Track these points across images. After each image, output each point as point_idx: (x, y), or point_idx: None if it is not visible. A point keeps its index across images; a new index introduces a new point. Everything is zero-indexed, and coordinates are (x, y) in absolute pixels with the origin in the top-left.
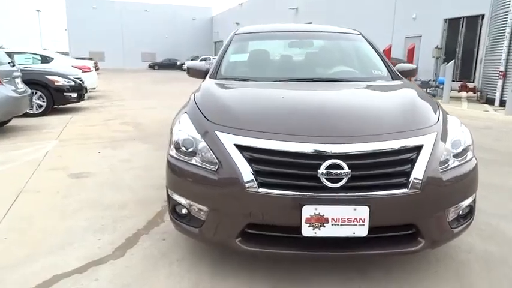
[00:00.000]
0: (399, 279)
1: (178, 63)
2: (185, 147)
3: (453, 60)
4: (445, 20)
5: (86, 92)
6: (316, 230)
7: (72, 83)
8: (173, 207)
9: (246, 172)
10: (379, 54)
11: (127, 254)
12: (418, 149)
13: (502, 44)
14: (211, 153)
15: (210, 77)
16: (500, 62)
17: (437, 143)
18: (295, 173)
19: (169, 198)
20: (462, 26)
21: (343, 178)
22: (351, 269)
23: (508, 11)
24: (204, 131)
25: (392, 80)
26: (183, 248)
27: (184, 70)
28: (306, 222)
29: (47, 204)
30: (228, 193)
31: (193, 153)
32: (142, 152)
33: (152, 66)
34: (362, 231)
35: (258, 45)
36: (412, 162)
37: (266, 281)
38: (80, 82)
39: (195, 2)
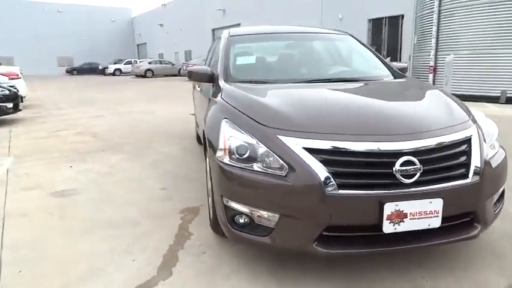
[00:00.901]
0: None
1: (100, 67)
2: (239, 154)
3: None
4: (369, 20)
5: (22, 101)
6: (396, 225)
7: (6, 92)
8: (232, 217)
9: (324, 175)
10: (373, 53)
11: (175, 273)
12: (468, 140)
13: (430, 41)
14: (277, 158)
15: (225, 81)
16: (430, 58)
17: (479, 134)
18: (371, 172)
19: (225, 207)
20: (385, 26)
21: (416, 173)
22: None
23: (432, 11)
24: (261, 136)
25: (394, 77)
26: (231, 259)
27: (107, 74)
28: (387, 219)
29: (45, 228)
30: (305, 197)
31: (251, 159)
32: (118, 164)
33: (70, 72)
34: (436, 223)
35: (261, 47)
36: (467, 153)
37: (337, 280)
38: (15, 90)
39: (112, 3)
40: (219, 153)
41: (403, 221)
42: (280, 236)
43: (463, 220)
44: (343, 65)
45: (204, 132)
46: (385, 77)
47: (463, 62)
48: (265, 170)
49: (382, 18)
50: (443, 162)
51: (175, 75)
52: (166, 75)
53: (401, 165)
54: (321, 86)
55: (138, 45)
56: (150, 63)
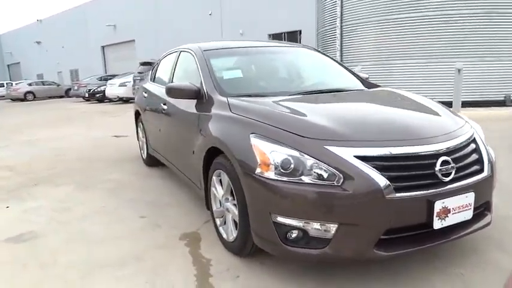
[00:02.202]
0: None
1: None
2: (283, 168)
3: None
4: (269, 35)
5: None
6: (442, 221)
7: None
8: (284, 234)
9: (382, 180)
10: (341, 64)
11: None
12: (474, 140)
13: (335, 54)
14: (329, 168)
15: (222, 95)
16: None
17: (477, 133)
18: (418, 174)
19: (275, 224)
20: (284, 39)
21: (451, 171)
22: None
23: (335, 27)
24: (305, 148)
25: (368, 88)
26: (270, 278)
27: None
28: (436, 216)
29: (30, 282)
30: (366, 204)
31: (297, 172)
32: (70, 196)
33: None
34: (470, 215)
35: (240, 61)
36: (478, 150)
37: (379, 280)
38: None
39: None
40: (258, 170)
41: (448, 216)
42: (338, 245)
43: (480, 210)
44: (324, 76)
45: (204, 153)
46: (362, 87)
47: (368, 71)
48: (316, 181)
49: (281, 33)
50: (466, 160)
51: (61, 97)
52: (50, 97)
53: (441, 164)
54: (326, 97)
55: (8, 65)
56: (30, 84)
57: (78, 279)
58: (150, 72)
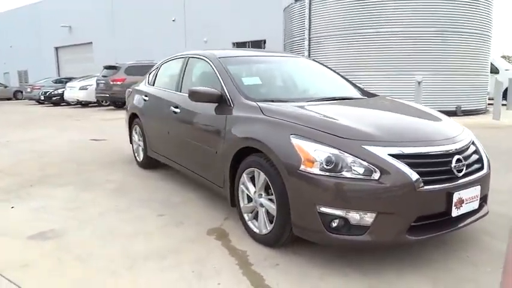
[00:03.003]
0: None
1: None
2: (326, 164)
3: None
4: (234, 43)
5: None
6: (458, 210)
7: None
8: (328, 222)
9: (414, 175)
10: (338, 73)
11: (274, 286)
12: (473, 142)
13: None
14: (367, 164)
15: (246, 99)
16: None
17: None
18: (439, 170)
19: (320, 214)
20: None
21: (463, 168)
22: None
23: (304, 39)
24: (345, 147)
25: (368, 96)
26: (308, 264)
27: None
28: (454, 206)
29: (73, 275)
30: (401, 195)
31: (338, 168)
32: (73, 197)
33: None
34: (476, 205)
35: (255, 69)
36: (477, 151)
37: (398, 263)
38: None
39: None
40: (303, 166)
41: (462, 206)
42: (376, 232)
43: (481, 202)
44: (329, 84)
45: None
46: (363, 95)
47: None
48: (356, 175)
49: (246, 42)
50: (471, 159)
51: (9, 99)
52: None
53: (455, 162)
54: (343, 103)
55: None
56: None
57: (124, 270)
58: (147, 76)
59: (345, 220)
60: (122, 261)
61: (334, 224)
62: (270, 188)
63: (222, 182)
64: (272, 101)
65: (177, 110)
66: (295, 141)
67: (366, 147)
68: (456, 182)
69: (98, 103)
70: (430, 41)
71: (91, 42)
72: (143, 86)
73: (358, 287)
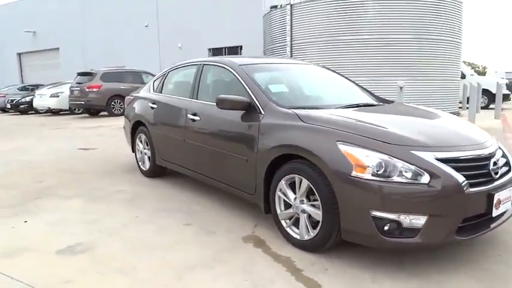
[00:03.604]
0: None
1: None
2: (377, 169)
3: None
4: (210, 49)
5: None
6: (497, 210)
7: None
8: (382, 226)
9: (461, 178)
10: (350, 80)
11: None
12: (499, 146)
13: None
14: (417, 169)
15: (279, 107)
16: None
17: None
18: (480, 173)
19: (373, 219)
20: (225, 54)
21: (498, 170)
22: None
23: (286, 45)
24: (393, 152)
25: (384, 102)
26: (356, 267)
27: None
28: (494, 206)
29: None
30: (451, 198)
31: (388, 173)
32: (88, 209)
33: None
34: (509, 205)
35: (277, 76)
36: (504, 155)
37: (439, 263)
38: None
39: None
40: (354, 172)
41: (500, 206)
42: (427, 234)
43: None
44: (348, 91)
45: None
46: (379, 101)
47: None
48: (408, 180)
49: (222, 48)
50: (501, 162)
51: None
52: None
53: (493, 165)
54: (373, 110)
55: None
56: None
57: (175, 281)
58: (151, 84)
59: (398, 223)
60: (169, 273)
61: (387, 228)
62: (313, 194)
63: (253, 189)
64: (303, 108)
65: (196, 118)
66: (343, 148)
67: (415, 152)
68: (495, 184)
69: (70, 111)
70: (408, 48)
71: (58, 48)
72: (148, 94)
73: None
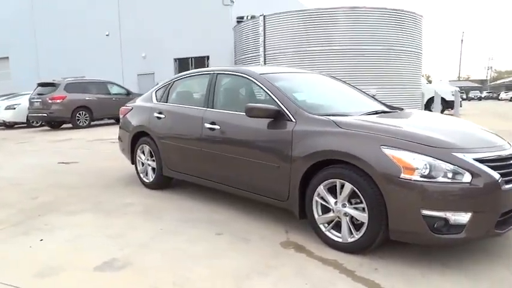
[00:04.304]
0: None
1: None
2: (424, 171)
3: None
4: (175, 59)
5: None
6: None
7: None
8: (432, 224)
9: (497, 176)
10: (354, 87)
11: None
12: None
13: None
14: (459, 169)
15: (311, 114)
16: None
17: None
18: (509, 171)
19: (424, 217)
20: (192, 65)
21: None
22: None
23: (259, 55)
24: (436, 155)
25: (391, 108)
26: (402, 264)
27: None
28: None
29: None
30: (491, 195)
31: (434, 174)
32: (103, 223)
33: None
34: None
35: (297, 85)
36: None
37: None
38: None
39: None
40: (403, 174)
41: None
42: (472, 229)
43: None
44: (362, 99)
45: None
46: (390, 108)
47: None
48: (452, 180)
49: (189, 58)
50: None
51: None
52: None
53: None
54: (398, 115)
55: None
56: None
57: None
58: (153, 93)
59: (445, 220)
60: (227, 281)
61: (436, 225)
62: (354, 197)
63: (285, 196)
64: (333, 115)
65: (215, 127)
66: (389, 152)
67: (455, 154)
68: None
69: (28, 124)
70: (377, 58)
71: (7, 57)
72: (150, 103)
73: (458, 281)
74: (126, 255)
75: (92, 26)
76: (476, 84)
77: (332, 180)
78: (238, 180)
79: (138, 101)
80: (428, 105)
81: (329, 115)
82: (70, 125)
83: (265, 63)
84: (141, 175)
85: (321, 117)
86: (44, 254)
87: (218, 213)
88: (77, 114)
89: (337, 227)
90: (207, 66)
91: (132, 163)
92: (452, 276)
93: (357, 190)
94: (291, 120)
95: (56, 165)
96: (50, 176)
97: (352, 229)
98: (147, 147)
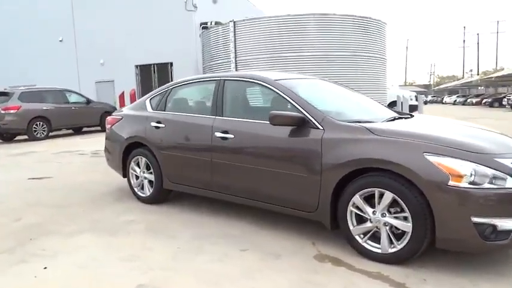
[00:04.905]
0: None
1: None
2: (472, 178)
3: None
4: (137, 66)
5: None
6: None
7: None
8: (482, 231)
9: None
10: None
11: None
12: None
13: None
14: (504, 174)
15: (339, 121)
16: None
17: None
18: None
19: (475, 225)
20: (154, 72)
21: None
22: None
23: (230, 61)
24: (480, 160)
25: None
26: (449, 274)
27: None
28: None
29: None
30: None
31: (482, 180)
32: (109, 245)
33: None
34: None
35: (311, 91)
36: None
37: None
38: None
39: None
40: (451, 182)
41: None
42: None
43: None
44: (372, 104)
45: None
46: (402, 114)
47: None
48: (498, 185)
49: (151, 64)
50: None
51: None
52: None
53: None
54: (421, 121)
55: None
56: None
57: None
58: (148, 101)
59: (493, 227)
60: None
61: (486, 232)
62: (393, 206)
63: (314, 207)
64: (359, 122)
65: (229, 136)
66: (434, 159)
67: (498, 159)
68: None
69: None
70: (346, 64)
71: None
72: (145, 112)
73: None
74: (153, 280)
75: (44, 31)
76: (421, 89)
77: (370, 189)
78: (257, 192)
79: (128, 110)
80: None
81: (356, 122)
82: (25, 137)
83: (236, 70)
84: (136, 189)
85: (351, 124)
86: (57, 285)
87: (231, 227)
88: (34, 125)
89: (374, 237)
90: (171, 73)
91: (124, 177)
92: (502, 284)
93: (398, 199)
94: (317, 128)
95: (26, 182)
96: (26, 194)
97: (393, 239)
98: (144, 159)
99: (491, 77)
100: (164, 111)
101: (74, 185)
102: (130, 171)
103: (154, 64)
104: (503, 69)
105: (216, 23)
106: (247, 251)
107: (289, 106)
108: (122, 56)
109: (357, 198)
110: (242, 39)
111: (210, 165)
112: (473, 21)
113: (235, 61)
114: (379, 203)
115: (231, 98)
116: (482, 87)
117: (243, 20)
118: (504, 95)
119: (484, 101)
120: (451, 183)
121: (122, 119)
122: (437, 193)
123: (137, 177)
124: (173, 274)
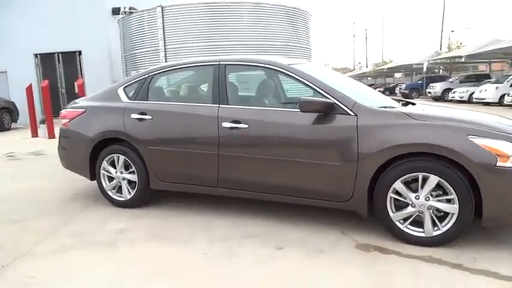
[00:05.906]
0: None
1: None
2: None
3: None
4: (36, 54)
5: None
6: None
7: None
8: None
9: None
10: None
11: None
12: None
13: None
14: None
15: (373, 107)
16: None
17: None
18: None
19: None
20: (59, 62)
21: None
22: None
23: (158, 49)
24: None
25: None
26: (491, 249)
27: None
28: None
29: None
30: None
31: None
32: (111, 259)
33: None
34: None
35: (325, 78)
36: None
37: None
38: None
39: None
40: (500, 162)
41: None
42: None
43: None
44: (371, 91)
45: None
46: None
47: None
48: None
49: (54, 53)
50: None
51: None
52: None
53: None
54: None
55: None
56: None
57: None
58: (120, 89)
59: None
60: None
61: None
62: (434, 190)
63: (347, 196)
64: (385, 107)
65: (241, 126)
66: (479, 141)
67: None
68: None
69: None
70: (279, 54)
71: None
72: (120, 103)
73: None
74: None
75: None
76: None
77: (413, 174)
78: (279, 185)
79: (93, 101)
80: None
81: (380, 107)
82: None
83: (166, 59)
84: (110, 193)
85: (387, 109)
86: None
87: (249, 225)
88: None
89: (413, 222)
90: (80, 64)
91: (92, 179)
92: None
93: (444, 182)
94: (349, 114)
95: None
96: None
97: (437, 222)
98: (122, 157)
99: (383, 68)
100: (147, 100)
101: (26, 194)
102: (102, 172)
103: (58, 53)
104: (392, 61)
105: (131, 8)
106: (285, 249)
107: (311, 92)
108: (15, 43)
109: (398, 184)
110: (171, 26)
111: (216, 159)
112: (362, 17)
113: (165, 49)
114: (422, 188)
115: (238, 85)
116: (370, 78)
117: (172, 6)
118: (396, 84)
119: (377, 90)
120: (499, 163)
121: (85, 112)
122: (487, 174)
123: (111, 179)
124: (222, 282)
